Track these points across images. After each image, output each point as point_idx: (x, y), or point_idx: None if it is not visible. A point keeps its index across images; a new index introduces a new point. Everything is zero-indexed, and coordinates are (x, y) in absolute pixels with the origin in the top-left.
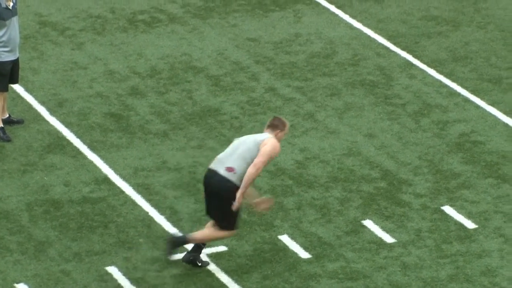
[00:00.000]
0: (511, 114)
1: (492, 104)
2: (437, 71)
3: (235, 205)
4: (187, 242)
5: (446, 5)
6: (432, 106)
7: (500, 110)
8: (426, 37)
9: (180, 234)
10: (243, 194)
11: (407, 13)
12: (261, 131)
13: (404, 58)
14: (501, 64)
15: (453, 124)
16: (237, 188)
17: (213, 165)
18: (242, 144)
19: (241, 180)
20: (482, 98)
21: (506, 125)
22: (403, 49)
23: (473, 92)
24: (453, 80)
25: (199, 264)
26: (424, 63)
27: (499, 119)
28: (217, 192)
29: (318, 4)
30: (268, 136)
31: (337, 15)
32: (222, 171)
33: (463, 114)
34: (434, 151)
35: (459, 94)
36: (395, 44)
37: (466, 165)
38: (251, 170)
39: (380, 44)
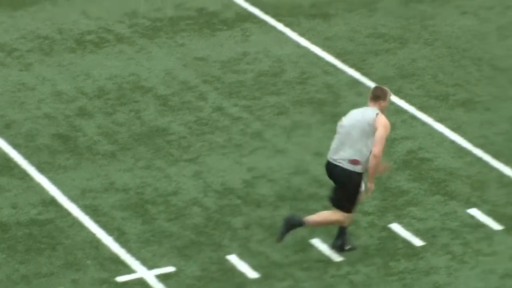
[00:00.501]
0: (458, 130)
1: (440, 120)
2: None
3: (370, 190)
4: (302, 224)
5: (393, 23)
6: None
7: (448, 127)
8: (374, 55)
9: (297, 217)
10: (372, 180)
11: (354, 31)
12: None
13: (352, 76)
14: (448, 80)
15: (401, 141)
16: (359, 174)
17: (334, 156)
18: (353, 129)
19: (364, 167)
20: (429, 115)
21: (453, 142)
22: (350, 66)
23: (420, 109)
24: (401, 97)
25: (348, 248)
26: (372, 80)
27: (446, 136)
28: (343, 183)
29: (266, 22)
30: (376, 112)
31: (284, 34)
32: (346, 165)
33: (411, 131)
34: None
35: (406, 111)
36: (342, 61)
37: (413, 182)
38: (372, 161)
39: (327, 62)
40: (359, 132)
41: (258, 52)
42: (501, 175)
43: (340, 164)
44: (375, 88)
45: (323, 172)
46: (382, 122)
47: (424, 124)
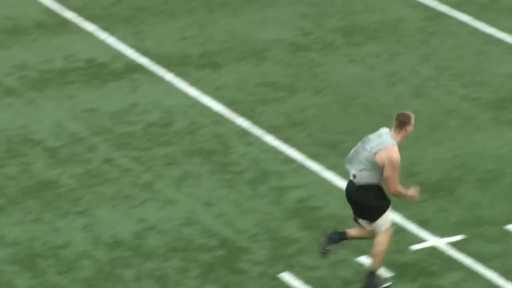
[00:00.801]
0: (348, 178)
1: (329, 168)
2: (275, 137)
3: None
4: (346, 238)
5: (282, 71)
6: (269, 172)
7: (337, 175)
8: (263, 103)
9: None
10: (402, 193)
11: (243, 80)
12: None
13: (241, 125)
14: (337, 128)
15: (290, 190)
16: (365, 186)
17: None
18: (362, 151)
19: (363, 178)
20: (319, 163)
21: (343, 190)
22: (240, 115)
23: (310, 157)
24: (290, 146)
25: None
26: (262, 129)
27: (335, 184)
28: (353, 199)
29: (155, 73)
30: (388, 144)
31: (174, 84)
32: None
33: (300, 179)
34: (271, 218)
35: (295, 160)
36: (232, 111)
37: (303, 231)
38: (392, 193)
39: (217, 111)
40: (363, 156)
41: (148, 103)
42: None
43: (353, 180)
44: (399, 115)
45: (213, 222)
46: (388, 158)
47: (313, 172)
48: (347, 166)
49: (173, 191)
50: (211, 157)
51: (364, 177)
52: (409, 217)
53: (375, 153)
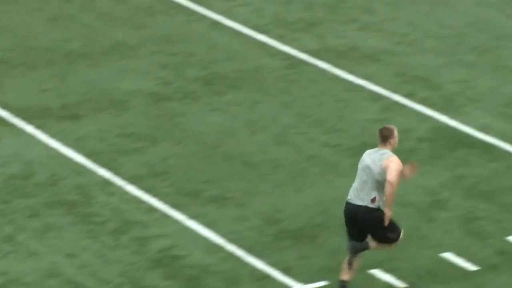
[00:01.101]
0: (211, 226)
1: (192, 217)
2: (137, 187)
3: (386, 220)
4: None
5: (142, 122)
6: (131, 222)
7: (200, 223)
8: (124, 154)
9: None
10: (390, 208)
11: (104, 131)
12: None
13: (103, 176)
14: (199, 177)
15: (153, 239)
16: (379, 210)
17: (355, 199)
18: (369, 174)
19: (380, 203)
20: (182, 212)
21: (206, 238)
22: (101, 166)
23: (173, 206)
24: (153, 195)
25: None
26: (124, 179)
27: (199, 232)
28: (367, 222)
29: (15, 125)
30: (387, 155)
31: (34, 136)
32: (366, 203)
33: (163, 229)
34: (135, 267)
35: (158, 210)
36: (93, 161)
37: (167, 281)
38: (388, 188)
39: (78, 162)
40: (373, 176)
41: (8, 155)
42: (254, 269)
43: (363, 204)
44: (382, 129)
45: (76, 273)
46: (392, 160)
47: (177, 221)
48: (353, 197)
49: (35, 243)
50: (72, 208)
51: (380, 198)
52: (273, 264)
53: (383, 164)
